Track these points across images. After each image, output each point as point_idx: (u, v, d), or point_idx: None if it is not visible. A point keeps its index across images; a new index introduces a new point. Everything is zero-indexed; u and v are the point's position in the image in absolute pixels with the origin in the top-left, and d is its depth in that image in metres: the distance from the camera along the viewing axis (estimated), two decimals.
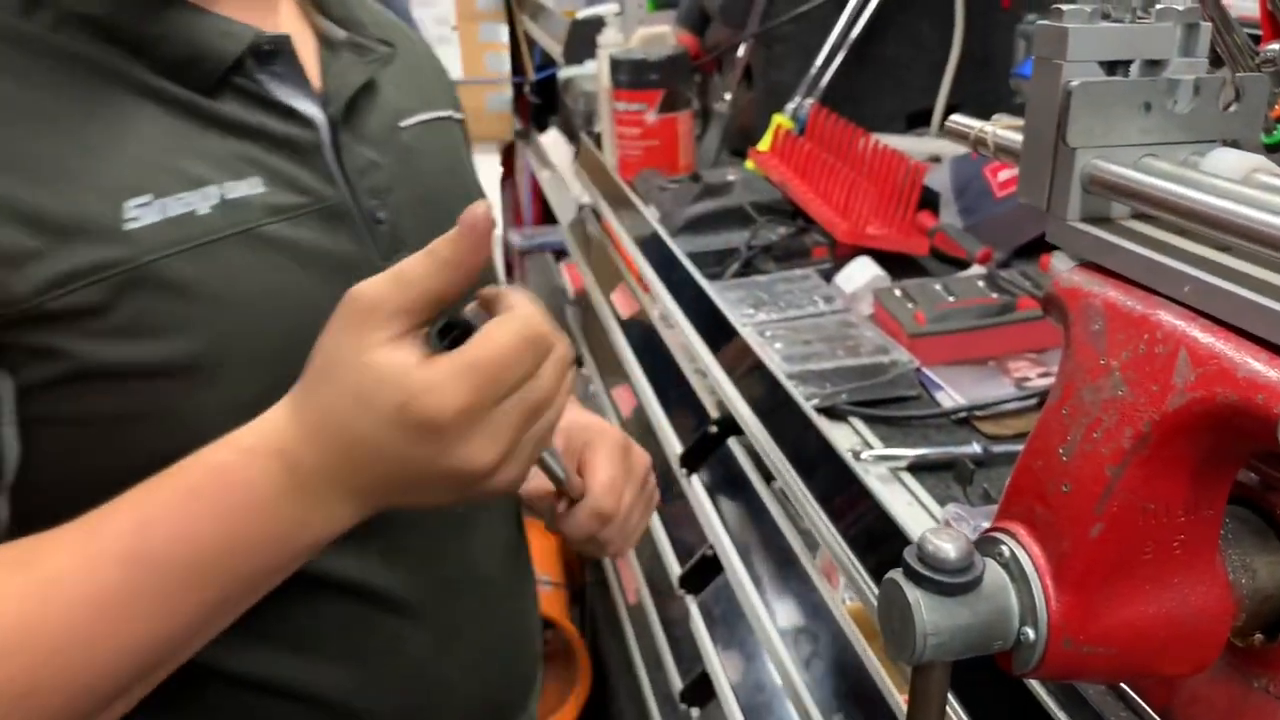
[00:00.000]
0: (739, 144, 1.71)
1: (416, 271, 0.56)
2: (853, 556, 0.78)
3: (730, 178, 1.41)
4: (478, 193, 0.88)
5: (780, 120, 1.54)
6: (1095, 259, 0.46)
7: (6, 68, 0.61)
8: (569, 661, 2.43)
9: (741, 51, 1.66)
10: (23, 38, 0.62)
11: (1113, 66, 0.47)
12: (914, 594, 0.43)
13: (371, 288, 0.56)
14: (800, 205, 1.31)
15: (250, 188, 0.65)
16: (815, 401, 0.92)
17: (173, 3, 0.65)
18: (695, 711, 1.35)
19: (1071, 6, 0.47)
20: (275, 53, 0.69)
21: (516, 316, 0.57)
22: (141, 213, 0.60)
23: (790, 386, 0.93)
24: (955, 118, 0.58)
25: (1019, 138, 0.51)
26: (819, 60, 1.57)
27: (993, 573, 0.44)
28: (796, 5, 1.58)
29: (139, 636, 0.56)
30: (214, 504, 0.57)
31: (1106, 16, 0.46)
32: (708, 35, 1.80)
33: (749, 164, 1.54)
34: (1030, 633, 0.43)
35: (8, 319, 0.58)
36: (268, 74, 0.69)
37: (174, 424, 0.61)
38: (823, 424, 0.88)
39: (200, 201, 0.63)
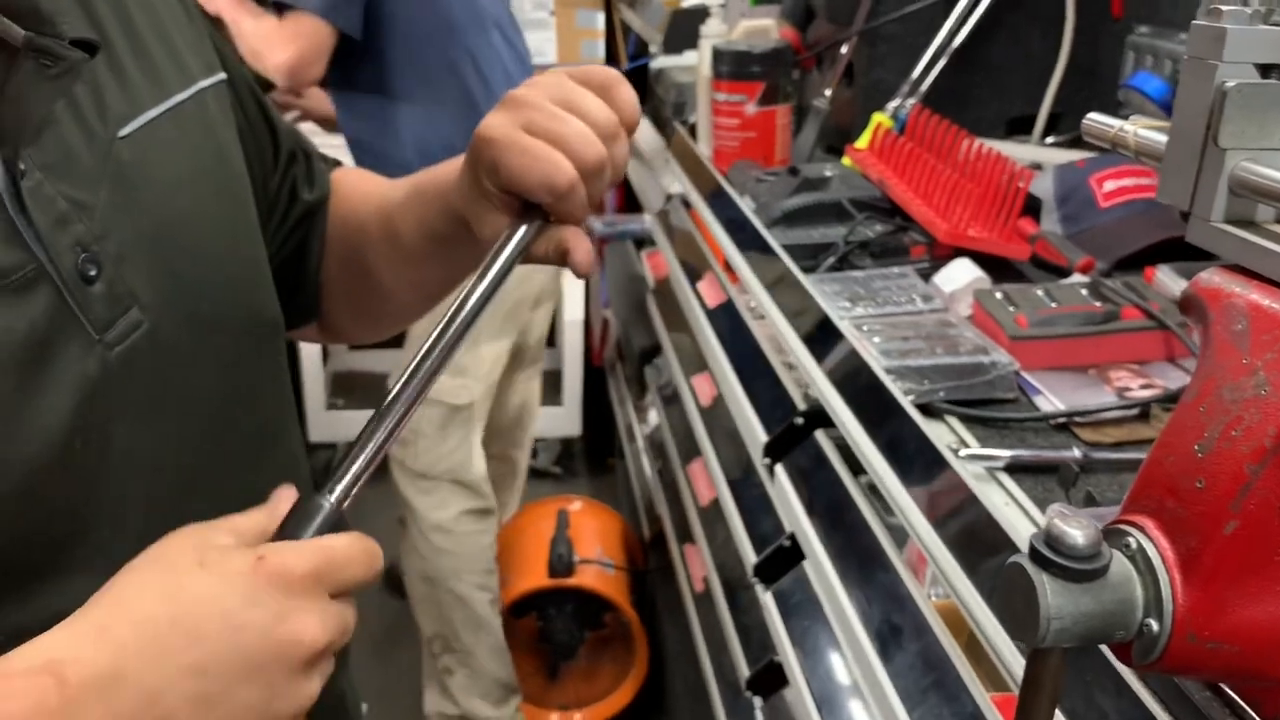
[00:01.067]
0: (834, 140, 1.71)
1: (252, 519, 0.57)
2: (947, 553, 0.79)
3: (828, 173, 1.41)
4: (235, 183, 0.74)
5: (880, 119, 1.53)
6: (1240, 261, 0.47)
7: None
8: (627, 645, 2.45)
9: (844, 49, 1.65)
10: None
11: (1267, 69, 0.47)
12: (1040, 578, 0.43)
13: (202, 532, 0.55)
14: (899, 203, 1.31)
15: None
16: (912, 397, 0.92)
17: None
18: (758, 700, 1.36)
19: (1231, 8, 0.47)
20: None
21: (362, 539, 0.57)
22: None
23: (888, 381, 0.93)
24: (1093, 116, 0.58)
25: (1162, 138, 0.52)
26: (923, 61, 1.56)
27: (1119, 563, 0.44)
28: (904, 5, 1.58)
29: None
30: None
31: (1269, 18, 0.46)
32: (810, 31, 1.80)
33: (846, 160, 1.54)
34: (1154, 624, 0.43)
35: None
36: None
37: None
38: (920, 420, 0.88)
39: None
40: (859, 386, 0.99)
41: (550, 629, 2.44)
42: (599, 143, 0.67)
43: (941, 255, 1.22)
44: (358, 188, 0.90)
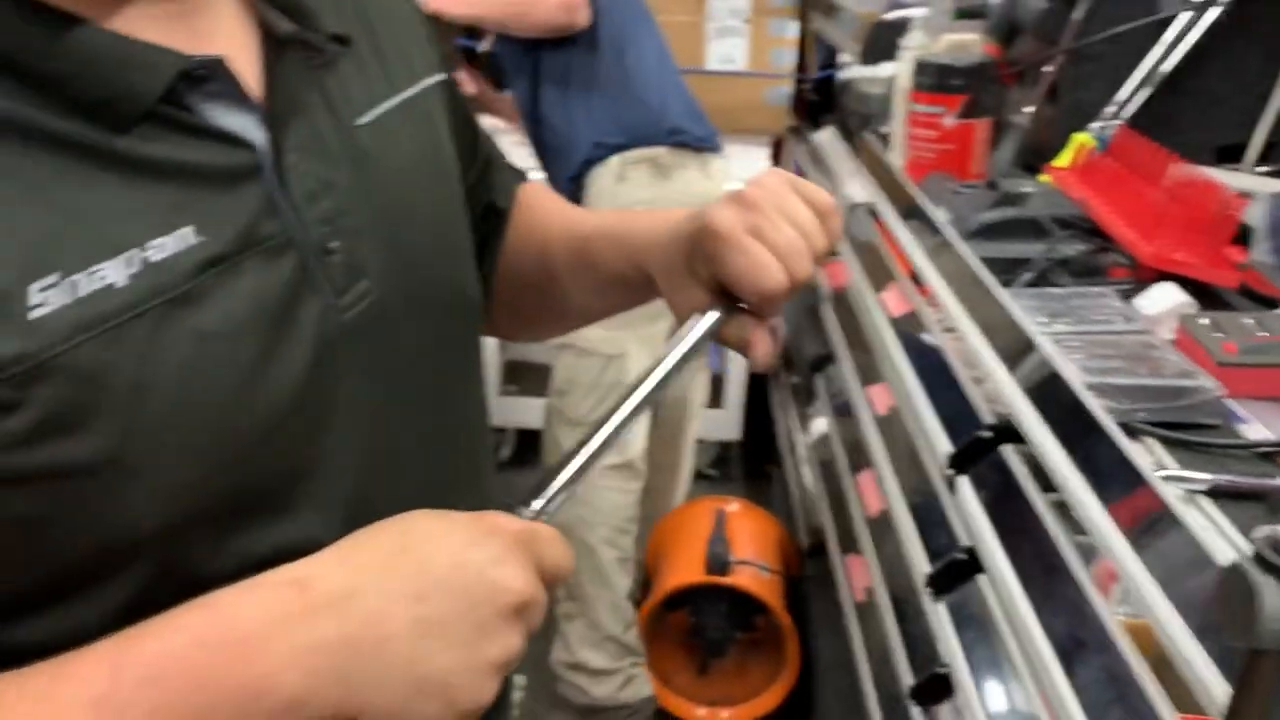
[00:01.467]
0: (1030, 158, 1.70)
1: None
2: (1143, 571, 0.79)
3: (1027, 189, 1.41)
4: (450, 174, 0.80)
5: (1083, 138, 1.52)
6: None
7: None
8: (777, 649, 2.47)
9: (1049, 67, 1.64)
10: None
11: None
12: (1262, 580, 0.44)
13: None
14: (1100, 224, 1.30)
15: (180, 241, 0.56)
16: (1113, 416, 0.92)
17: (80, 31, 0.55)
18: (919, 710, 1.36)
19: None
20: (208, 76, 0.59)
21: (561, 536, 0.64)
22: (49, 296, 0.52)
23: (1089, 398, 0.93)
24: None
25: None
26: (1131, 83, 1.54)
27: None
28: (1115, 24, 1.56)
29: None
30: (193, 637, 0.53)
31: None
32: (1014, 47, 1.79)
33: (1044, 178, 1.53)
34: None
35: None
36: (200, 95, 0.59)
37: (97, 522, 0.55)
38: (1121, 438, 0.88)
39: (119, 271, 0.54)
40: (1056, 403, 0.99)
41: (702, 625, 2.47)
42: (810, 262, 0.73)
43: (1143, 278, 1.20)
44: (544, 206, 0.97)
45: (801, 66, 2.99)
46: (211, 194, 0.59)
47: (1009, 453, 1.15)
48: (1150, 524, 0.81)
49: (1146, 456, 0.91)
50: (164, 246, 0.56)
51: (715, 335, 0.75)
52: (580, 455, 0.68)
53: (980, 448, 1.20)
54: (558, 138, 2.27)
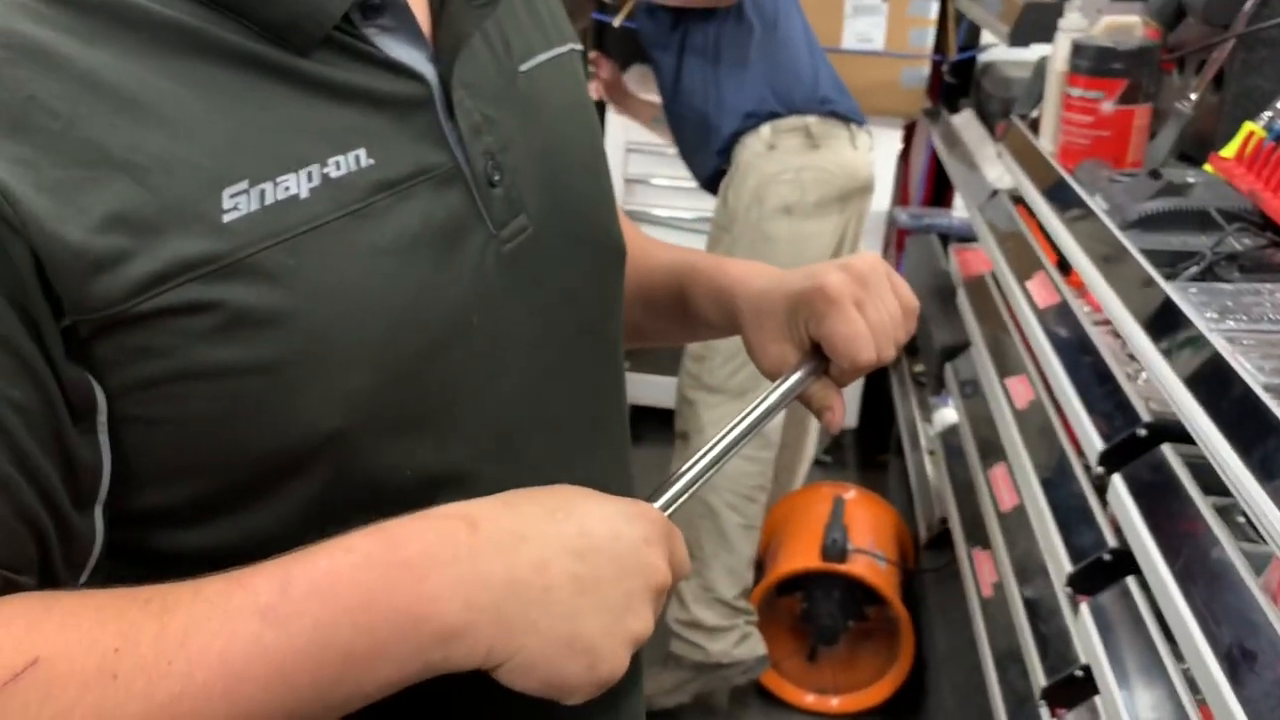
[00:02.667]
0: (1190, 147, 1.63)
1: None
2: None
3: (1191, 179, 1.35)
4: (597, 130, 0.83)
5: (1253, 128, 1.44)
6: None
7: (97, 42, 0.55)
8: (889, 640, 2.44)
9: (1217, 52, 1.57)
10: (109, 6, 0.55)
11: None
12: None
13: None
14: (1274, 218, 1.24)
15: (355, 162, 0.60)
16: None
17: None
18: (1048, 711, 1.32)
19: None
20: (384, 5, 0.63)
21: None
22: (239, 201, 0.56)
23: (1269, 399, 0.89)
24: None
25: None
26: None
27: None
28: None
29: (257, 702, 0.52)
30: (363, 556, 0.54)
31: None
32: (1178, 31, 1.71)
33: (1208, 168, 1.47)
34: None
35: (96, 324, 0.54)
36: (375, 28, 0.63)
37: (276, 422, 0.58)
38: None
39: (302, 184, 0.58)
40: (1229, 402, 0.95)
41: (815, 611, 2.45)
42: (894, 349, 0.82)
43: None
44: (647, 239, 0.99)
45: (940, 47, 2.92)
46: (384, 121, 0.62)
47: (1168, 452, 1.11)
48: None
49: None
50: (340, 164, 0.59)
51: (798, 392, 0.82)
52: (689, 473, 0.73)
53: (1135, 446, 1.16)
54: (704, 111, 2.29)
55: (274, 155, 0.57)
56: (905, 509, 2.71)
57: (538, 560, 0.57)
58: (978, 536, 1.85)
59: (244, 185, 0.56)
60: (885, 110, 2.87)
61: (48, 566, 0.56)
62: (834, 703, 2.45)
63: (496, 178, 0.67)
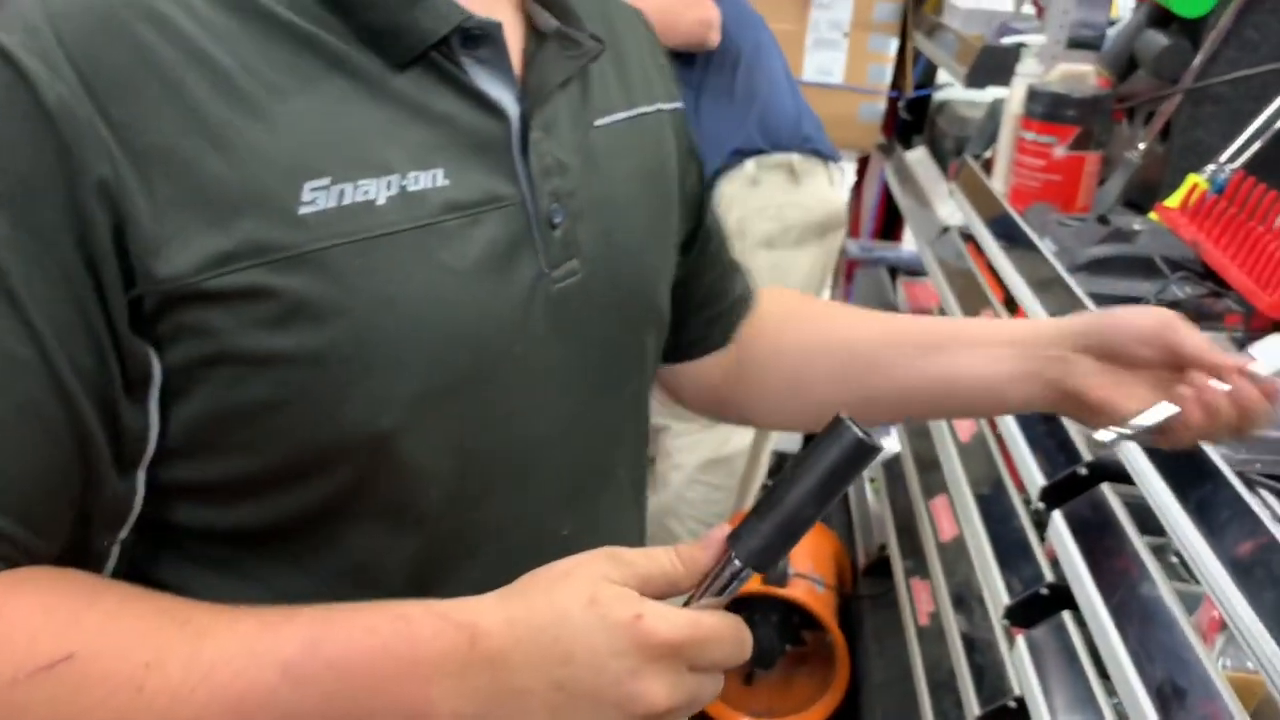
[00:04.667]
0: (1137, 195, 1.68)
1: (660, 565, 0.60)
2: (1258, 622, 0.78)
3: (1137, 227, 1.39)
4: (670, 197, 0.84)
5: (1196, 180, 1.49)
6: None
7: (211, 28, 0.58)
8: (825, 665, 2.45)
9: (1165, 105, 1.62)
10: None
11: None
12: None
13: (611, 568, 0.59)
14: (1214, 268, 1.28)
15: (432, 180, 0.62)
16: (1228, 465, 0.91)
17: None
18: None
19: None
20: (483, 38, 0.65)
21: (738, 625, 0.60)
22: (318, 196, 0.58)
23: (1204, 444, 0.92)
24: None
25: None
26: (1252, 127, 1.51)
27: None
28: (1238, 68, 1.53)
29: None
30: (382, 644, 0.57)
31: None
32: (1128, 82, 1.77)
33: (1153, 216, 1.51)
34: None
35: (162, 296, 0.56)
36: (472, 58, 0.66)
37: (319, 415, 0.60)
38: (1240, 487, 0.87)
39: (380, 191, 0.60)
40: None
41: (753, 634, 2.46)
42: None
43: (1258, 326, 1.19)
44: (835, 322, 0.97)
45: (897, 84, 2.97)
46: (463, 146, 0.64)
47: (1107, 491, 1.14)
48: (1268, 577, 0.80)
49: (1262, 509, 0.90)
50: (419, 179, 0.62)
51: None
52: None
53: (1075, 484, 1.19)
54: None
55: (358, 159, 0.60)
56: (845, 535, 2.74)
57: (520, 687, 0.58)
58: (917, 565, 1.88)
59: (325, 182, 0.58)
60: (841, 143, 2.88)
61: (86, 525, 0.59)
62: None
63: (558, 220, 0.69)
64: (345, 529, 0.62)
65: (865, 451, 0.59)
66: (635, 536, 0.85)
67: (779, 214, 2.30)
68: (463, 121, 0.65)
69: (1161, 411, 0.80)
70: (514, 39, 0.69)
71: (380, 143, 0.61)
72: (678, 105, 0.86)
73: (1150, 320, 0.84)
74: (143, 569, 0.64)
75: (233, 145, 0.56)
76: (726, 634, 0.59)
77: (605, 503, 0.79)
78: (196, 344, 0.57)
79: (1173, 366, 0.83)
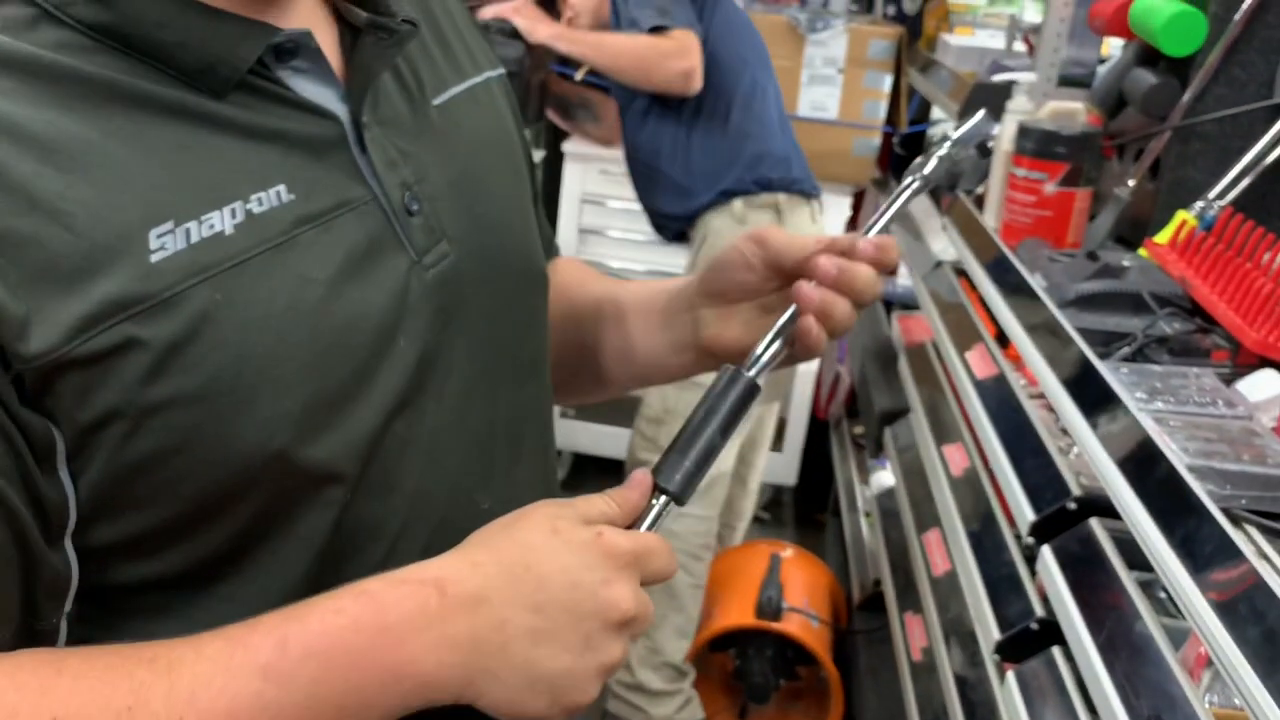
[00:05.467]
0: (1126, 231, 1.69)
1: (597, 507, 0.67)
2: (1243, 659, 0.78)
3: (1126, 263, 1.40)
4: (518, 156, 0.86)
5: (1185, 216, 1.50)
6: None
7: (15, 97, 0.56)
8: (819, 701, 2.45)
9: (1154, 143, 1.63)
10: (25, 62, 0.57)
11: None
12: None
13: (558, 509, 0.66)
14: (1202, 304, 1.29)
15: (276, 198, 0.63)
16: (1214, 501, 0.91)
17: (184, 5, 0.61)
18: None
19: None
20: (297, 48, 0.66)
21: (668, 544, 0.70)
22: (165, 240, 0.58)
23: (1191, 479, 0.92)
24: None
25: None
26: (1239, 165, 1.52)
27: None
28: (1226, 106, 1.55)
29: None
30: (350, 620, 0.59)
31: None
32: (1118, 120, 1.78)
33: (1142, 252, 1.52)
34: None
35: (41, 371, 0.55)
36: (289, 70, 0.66)
37: (216, 449, 0.60)
38: (1225, 522, 0.87)
39: (226, 221, 0.60)
40: (1154, 481, 0.98)
41: (747, 669, 2.46)
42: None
43: (1245, 363, 1.19)
44: (578, 279, 1.00)
45: (891, 120, 3.00)
46: (301, 158, 0.65)
47: (1096, 526, 1.14)
48: (1254, 612, 0.80)
49: (1248, 545, 0.90)
50: (262, 200, 0.62)
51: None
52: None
53: (1065, 518, 1.19)
54: (674, 181, 2.34)
55: (197, 195, 0.60)
56: (840, 569, 2.74)
57: (497, 620, 0.61)
58: (910, 600, 1.87)
59: (169, 225, 0.58)
60: (836, 178, 2.93)
61: (32, 604, 0.59)
62: None
63: (415, 207, 0.70)
64: (272, 545, 0.64)
65: (756, 390, 0.75)
66: None
67: None
68: (295, 134, 0.65)
69: (774, 330, 0.78)
70: (328, 40, 0.70)
71: (216, 173, 0.61)
72: (501, 71, 0.87)
73: (740, 244, 0.84)
74: (85, 634, 0.64)
75: (69, 213, 0.56)
76: (664, 548, 0.68)
77: (520, 474, 0.81)
78: (82, 409, 0.57)
79: (782, 277, 0.83)
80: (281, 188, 0.63)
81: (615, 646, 0.65)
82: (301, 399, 0.63)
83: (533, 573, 0.62)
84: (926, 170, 0.85)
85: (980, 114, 0.88)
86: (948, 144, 0.85)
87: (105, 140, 0.58)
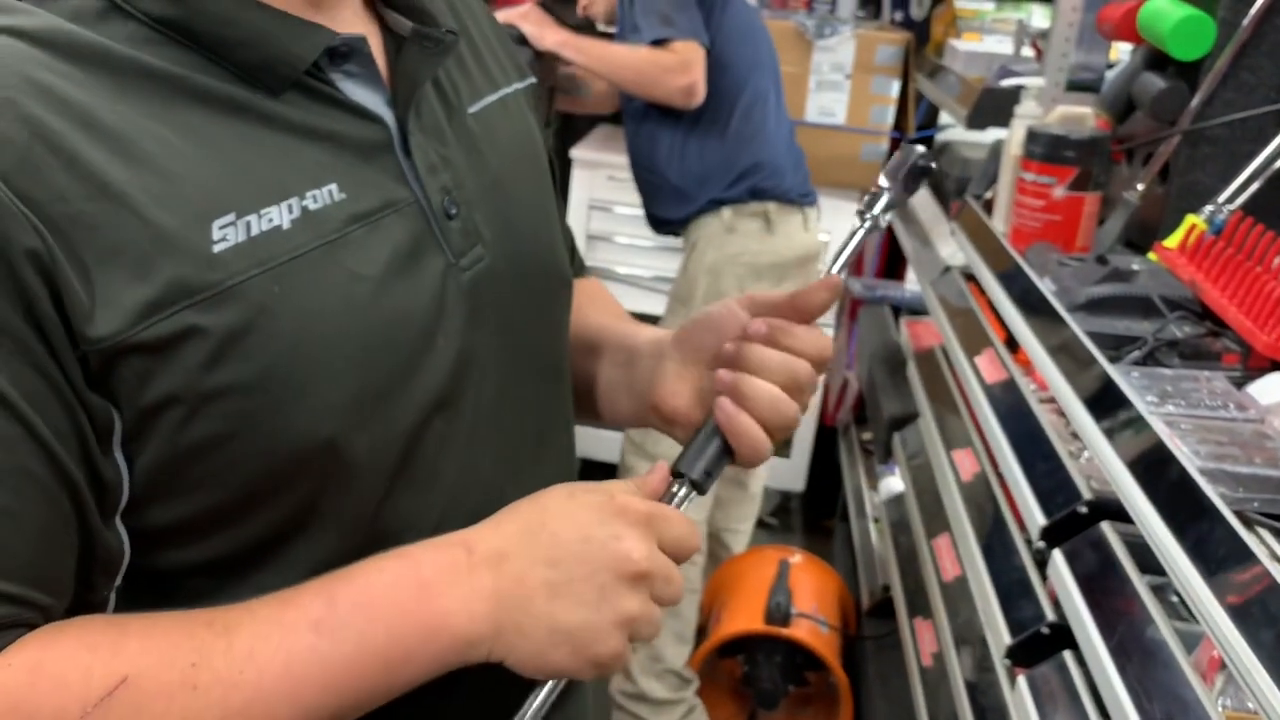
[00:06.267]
0: (1136, 236, 1.69)
1: (619, 486, 0.71)
2: (1256, 662, 0.77)
3: (1136, 267, 1.40)
4: (543, 163, 0.88)
5: (1195, 220, 1.50)
6: None
7: (88, 87, 0.59)
8: (828, 706, 2.44)
9: (1163, 146, 1.63)
10: (97, 53, 0.60)
11: None
12: None
13: (578, 487, 0.70)
14: (1212, 308, 1.29)
15: (329, 196, 0.65)
16: (1226, 504, 0.91)
17: (249, 6, 0.64)
18: None
19: None
20: (351, 53, 0.69)
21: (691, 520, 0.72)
22: (227, 232, 0.60)
23: (1202, 482, 0.92)
24: None
25: None
26: (1249, 169, 1.52)
27: None
28: (1235, 110, 1.55)
29: (313, 703, 0.61)
30: (392, 577, 0.64)
31: None
32: (1127, 124, 1.78)
33: (1152, 256, 1.52)
34: None
35: (105, 353, 0.58)
36: (341, 74, 0.69)
37: (268, 437, 0.63)
38: (1238, 525, 0.87)
39: (283, 215, 0.63)
40: (1166, 484, 0.98)
41: (755, 675, 2.46)
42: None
43: (1256, 366, 1.19)
44: (578, 304, 0.98)
45: (899, 125, 3.00)
46: (351, 159, 0.68)
47: (1107, 530, 1.14)
48: (1267, 615, 0.80)
49: (1260, 548, 0.90)
50: (317, 198, 0.65)
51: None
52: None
53: (1076, 522, 1.19)
54: (669, 183, 2.35)
55: (257, 189, 0.62)
56: (849, 575, 2.73)
57: (517, 574, 0.65)
58: (920, 605, 1.87)
59: (231, 218, 0.61)
60: (844, 183, 2.93)
61: (86, 576, 0.63)
62: None
63: (453, 211, 0.73)
64: (312, 535, 0.66)
65: None
66: None
67: (753, 261, 2.37)
68: (346, 135, 0.68)
69: (701, 432, 0.79)
70: (375, 47, 0.73)
71: (274, 170, 0.64)
72: (531, 81, 0.90)
73: (734, 305, 0.84)
74: (131, 610, 0.66)
75: (138, 202, 0.58)
76: (681, 519, 0.71)
77: (545, 471, 0.82)
78: (142, 393, 0.60)
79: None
80: (334, 186, 0.66)
81: (631, 599, 0.67)
82: (350, 391, 0.65)
83: (548, 529, 0.66)
84: (876, 210, 0.86)
85: (915, 148, 0.89)
86: (886, 184, 0.86)
87: (170, 133, 0.60)
